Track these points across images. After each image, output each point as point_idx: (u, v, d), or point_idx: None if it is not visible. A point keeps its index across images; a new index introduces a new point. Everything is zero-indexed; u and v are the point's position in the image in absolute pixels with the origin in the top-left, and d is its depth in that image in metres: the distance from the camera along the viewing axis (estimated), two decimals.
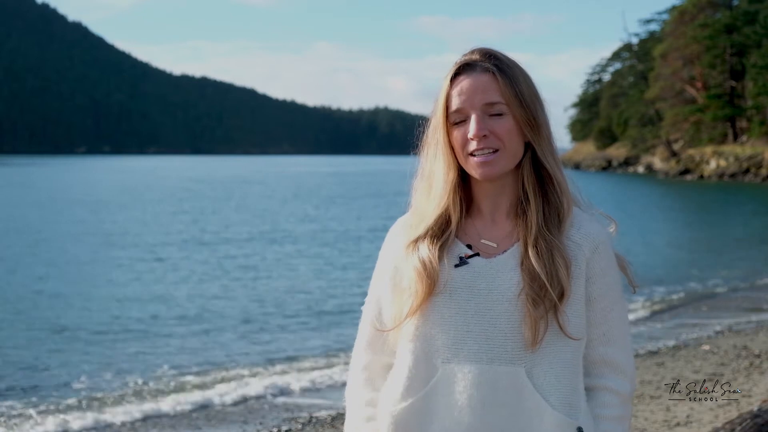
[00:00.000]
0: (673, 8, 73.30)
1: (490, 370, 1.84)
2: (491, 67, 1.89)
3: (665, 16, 79.65)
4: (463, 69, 1.91)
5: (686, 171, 63.30)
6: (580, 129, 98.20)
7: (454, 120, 1.90)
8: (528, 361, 1.84)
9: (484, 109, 1.87)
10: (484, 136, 1.86)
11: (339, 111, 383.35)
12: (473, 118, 1.87)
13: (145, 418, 7.62)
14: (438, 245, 1.90)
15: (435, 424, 1.87)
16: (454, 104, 1.89)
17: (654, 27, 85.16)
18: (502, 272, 1.87)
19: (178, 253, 20.45)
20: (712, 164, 61.01)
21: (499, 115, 1.87)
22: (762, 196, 42.27)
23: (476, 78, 1.89)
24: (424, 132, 1.99)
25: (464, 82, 1.89)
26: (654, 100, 71.33)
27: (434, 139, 1.94)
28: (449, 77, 1.91)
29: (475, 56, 1.91)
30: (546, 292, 1.83)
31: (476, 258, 1.89)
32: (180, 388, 8.62)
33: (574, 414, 1.87)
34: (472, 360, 1.85)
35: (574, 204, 1.95)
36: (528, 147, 1.92)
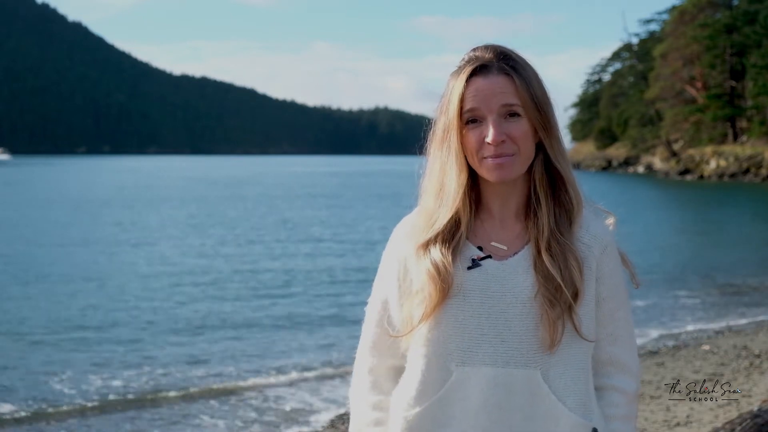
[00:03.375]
0: (673, 8, 73.31)
1: (505, 373, 1.83)
2: (508, 68, 1.85)
3: (665, 16, 79.71)
4: (478, 69, 1.86)
5: (686, 171, 63.29)
6: (580, 129, 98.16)
7: (467, 119, 1.85)
8: (543, 364, 1.83)
9: (501, 112, 1.84)
10: (502, 141, 1.83)
11: (339, 111, 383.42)
12: (491, 122, 1.83)
13: (144, 418, 7.62)
14: (450, 249, 1.87)
15: (450, 428, 1.85)
16: (469, 104, 1.84)
17: (654, 27, 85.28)
18: (515, 274, 1.85)
19: (179, 254, 20.45)
20: (712, 164, 60.99)
21: (515, 116, 1.84)
22: (762, 196, 42.26)
23: (493, 79, 1.84)
24: (431, 131, 1.94)
25: (481, 83, 1.84)
26: (654, 100, 71.31)
27: (446, 139, 1.89)
28: (464, 78, 1.85)
29: (490, 55, 1.87)
30: (561, 294, 1.82)
31: (488, 260, 1.87)
32: (180, 389, 8.62)
33: (588, 415, 1.87)
34: (487, 363, 1.83)
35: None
36: (539, 148, 1.90)
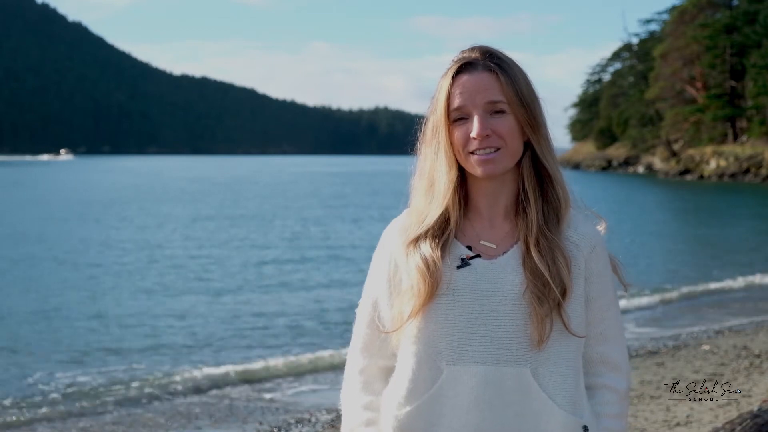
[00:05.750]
0: (673, 8, 73.28)
1: (496, 371, 1.84)
2: (493, 66, 1.88)
3: (665, 16, 79.71)
4: (464, 67, 1.89)
5: (686, 171, 63.27)
6: (580, 129, 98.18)
7: (454, 118, 1.88)
8: (533, 361, 1.85)
9: (486, 108, 1.86)
10: (487, 135, 1.85)
11: (339, 111, 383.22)
12: (476, 117, 1.86)
13: (145, 417, 7.62)
14: (439, 245, 1.89)
15: (442, 427, 1.87)
16: (456, 102, 1.87)
17: (654, 27, 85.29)
18: (504, 273, 1.87)
19: (178, 251, 20.45)
20: (712, 164, 60.99)
21: (501, 113, 1.87)
22: (762, 196, 42.25)
23: (478, 76, 1.88)
24: (421, 130, 1.97)
25: (466, 81, 1.88)
26: (654, 100, 71.32)
27: (435, 137, 1.92)
28: (450, 75, 1.90)
29: (476, 54, 1.90)
30: (549, 290, 1.84)
31: (477, 259, 1.89)
32: (180, 388, 8.61)
33: (579, 412, 1.88)
34: (477, 361, 1.85)
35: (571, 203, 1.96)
36: (527, 146, 1.92)
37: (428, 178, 1.94)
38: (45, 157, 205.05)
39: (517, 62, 1.93)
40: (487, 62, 1.88)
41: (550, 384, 1.86)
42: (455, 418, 1.86)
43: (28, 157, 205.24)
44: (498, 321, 1.85)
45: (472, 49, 1.92)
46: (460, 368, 1.85)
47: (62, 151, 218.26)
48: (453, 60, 1.93)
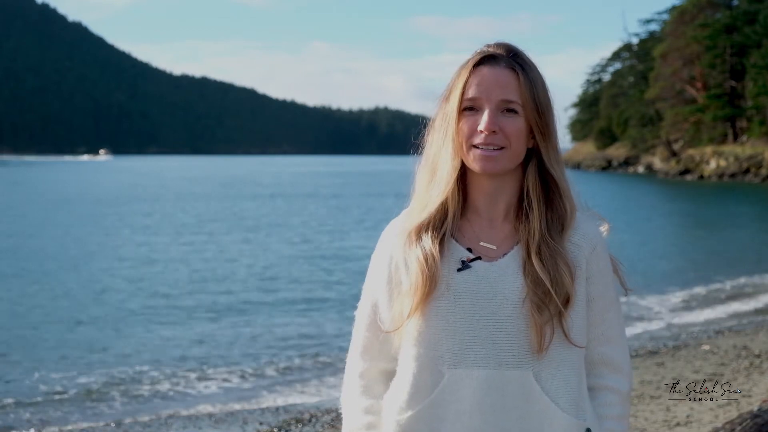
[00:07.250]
0: (673, 8, 73.32)
1: (498, 374, 1.83)
2: (515, 64, 1.87)
3: (665, 16, 79.74)
4: (486, 60, 1.88)
5: (686, 171, 63.28)
6: (580, 129, 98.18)
7: (465, 107, 1.87)
8: (535, 365, 1.84)
9: (499, 105, 1.85)
10: (494, 131, 1.84)
11: (339, 111, 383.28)
12: (487, 111, 1.84)
13: (146, 418, 7.62)
14: (438, 240, 1.87)
15: (444, 431, 1.85)
16: (471, 92, 1.86)
17: (654, 27, 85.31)
18: (505, 276, 1.85)
19: (179, 253, 20.45)
20: (712, 164, 60.99)
21: (512, 113, 1.85)
22: (762, 197, 42.26)
23: (499, 71, 1.86)
24: (431, 120, 1.95)
25: (486, 73, 1.86)
26: (654, 100, 71.32)
27: (444, 124, 1.90)
28: (471, 65, 1.88)
29: (500, 51, 1.89)
30: (551, 299, 1.82)
31: (478, 262, 1.87)
32: (180, 388, 8.62)
33: (581, 415, 1.87)
34: (479, 365, 1.83)
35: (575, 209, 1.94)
36: (533, 152, 1.90)
37: (432, 165, 1.92)
38: (85, 157, 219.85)
39: (537, 66, 1.91)
40: (510, 60, 1.87)
41: (553, 387, 1.85)
42: (457, 422, 1.84)
43: (67, 157, 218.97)
44: (499, 324, 1.83)
45: (498, 45, 1.91)
46: (461, 372, 1.84)
47: (101, 151, 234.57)
48: (476, 51, 1.91)
